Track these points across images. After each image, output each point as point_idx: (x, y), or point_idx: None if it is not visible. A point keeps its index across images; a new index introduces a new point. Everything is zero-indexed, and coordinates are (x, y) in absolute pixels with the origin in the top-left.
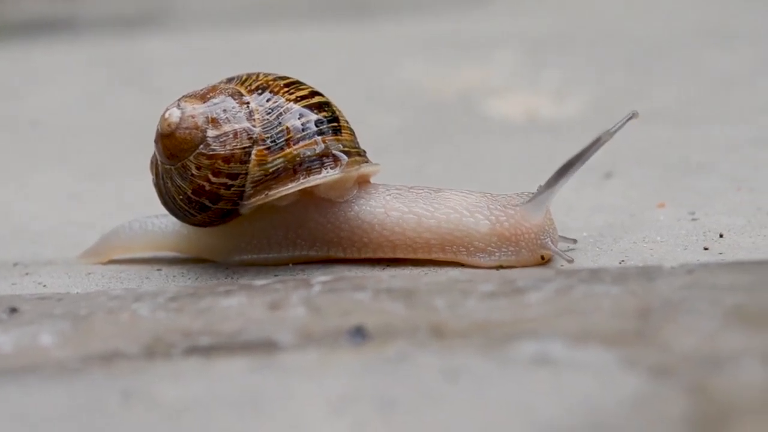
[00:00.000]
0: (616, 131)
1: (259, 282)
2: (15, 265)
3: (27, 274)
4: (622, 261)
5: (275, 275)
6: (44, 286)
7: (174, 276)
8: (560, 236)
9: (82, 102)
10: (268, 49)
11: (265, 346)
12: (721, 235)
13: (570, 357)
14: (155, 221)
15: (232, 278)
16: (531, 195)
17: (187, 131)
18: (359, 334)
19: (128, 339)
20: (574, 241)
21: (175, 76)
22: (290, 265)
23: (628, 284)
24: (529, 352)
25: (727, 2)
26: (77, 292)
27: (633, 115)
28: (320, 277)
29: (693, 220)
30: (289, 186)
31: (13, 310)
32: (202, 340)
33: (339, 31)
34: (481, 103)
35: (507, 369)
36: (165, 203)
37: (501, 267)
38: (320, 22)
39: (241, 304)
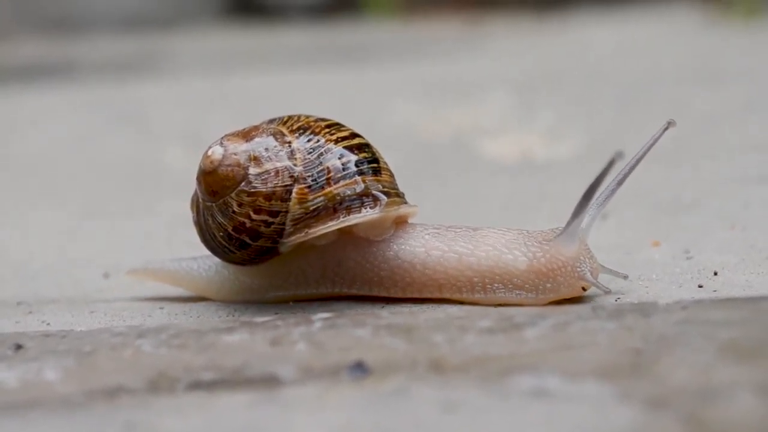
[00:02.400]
0: (652, 145)
1: (261, 319)
2: (19, 304)
3: (30, 312)
4: (618, 298)
5: (276, 313)
6: (48, 324)
7: (176, 314)
8: (610, 269)
9: (76, 143)
10: (260, 93)
11: (267, 381)
12: (715, 273)
13: (566, 390)
14: (193, 263)
15: (233, 315)
16: (562, 229)
17: (230, 168)
18: (360, 368)
19: (132, 374)
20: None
21: (168, 119)
22: (290, 303)
23: (624, 320)
24: (526, 385)
25: (715, 43)
26: (81, 330)
27: (670, 125)
28: (321, 314)
29: (688, 258)
30: (329, 224)
31: (18, 347)
32: (204, 375)
33: (331, 75)
34: (473, 144)
35: (504, 402)
36: (205, 240)
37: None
38: (312, 67)
39: (243, 340)
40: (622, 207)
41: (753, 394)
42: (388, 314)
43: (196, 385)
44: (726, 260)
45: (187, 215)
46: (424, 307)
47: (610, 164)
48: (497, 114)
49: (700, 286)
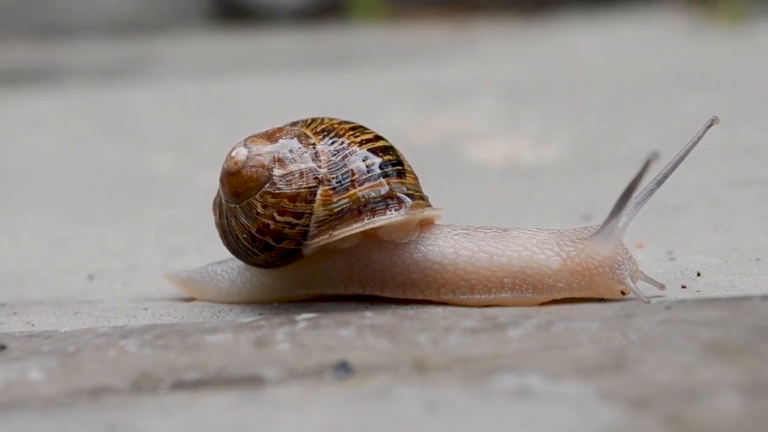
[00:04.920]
0: (695, 143)
1: (245, 319)
2: (2, 305)
3: (15, 314)
4: (601, 299)
5: (260, 313)
6: (32, 325)
7: (161, 315)
8: (648, 276)
9: (63, 149)
10: (248, 98)
11: (251, 381)
12: (698, 274)
13: (549, 390)
14: (218, 268)
15: (217, 316)
16: (598, 227)
17: (254, 170)
18: (343, 369)
19: (115, 374)
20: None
21: (156, 125)
22: (274, 303)
23: (607, 320)
24: (509, 385)
25: (701, 47)
26: (65, 331)
27: (713, 122)
28: (305, 314)
29: (671, 259)
30: (354, 226)
31: (2, 348)
32: (188, 375)
33: (319, 80)
34: (460, 149)
35: (487, 401)
36: (228, 243)
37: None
38: (300, 72)
39: (227, 340)
40: (607, 209)
41: (735, 393)
42: (371, 315)
43: (180, 385)
44: (709, 262)
45: (175, 222)
46: (408, 307)
47: (647, 165)
48: (484, 119)
49: (684, 287)
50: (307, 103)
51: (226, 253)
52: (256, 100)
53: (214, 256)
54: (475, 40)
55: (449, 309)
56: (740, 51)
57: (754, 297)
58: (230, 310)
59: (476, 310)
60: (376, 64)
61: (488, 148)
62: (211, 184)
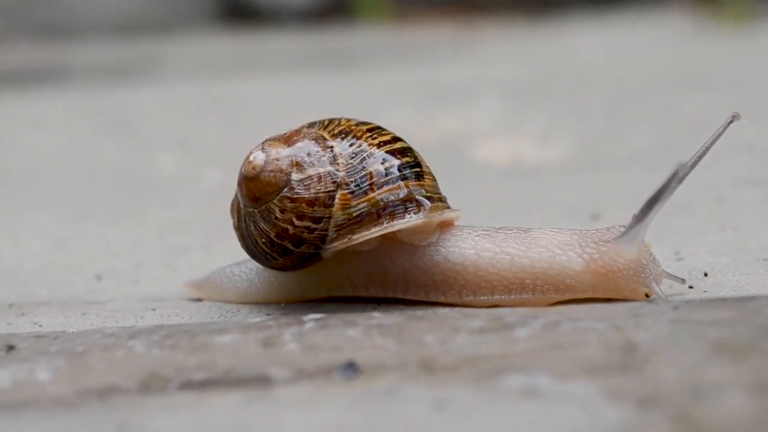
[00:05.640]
0: (717, 137)
1: (252, 320)
2: (11, 306)
3: (23, 314)
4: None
5: (267, 314)
6: (40, 325)
7: (168, 315)
8: (670, 274)
9: (64, 149)
10: (251, 98)
11: (259, 381)
12: (705, 274)
13: (557, 390)
14: (236, 269)
15: (225, 317)
16: (622, 229)
17: (272, 174)
18: (351, 368)
19: (124, 374)
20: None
21: (159, 125)
22: (282, 304)
23: (615, 320)
24: (516, 384)
25: (706, 48)
26: (73, 331)
27: (734, 118)
28: (312, 315)
29: (678, 259)
30: (373, 230)
31: (10, 348)
32: (196, 375)
33: (323, 80)
34: (464, 148)
35: (495, 401)
36: (246, 247)
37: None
38: (302, 72)
39: (235, 340)
40: (614, 209)
41: (742, 393)
42: (379, 315)
43: (188, 385)
44: (716, 261)
45: (177, 221)
46: (416, 308)
47: (675, 175)
48: (486, 119)
49: (691, 287)
50: (309, 103)
51: (229, 251)
52: (258, 100)
53: (218, 254)
54: (478, 41)
55: (457, 309)
56: (741, 51)
57: (761, 297)
58: (238, 311)
59: (484, 310)
60: (378, 64)
61: (490, 148)
62: (213, 184)
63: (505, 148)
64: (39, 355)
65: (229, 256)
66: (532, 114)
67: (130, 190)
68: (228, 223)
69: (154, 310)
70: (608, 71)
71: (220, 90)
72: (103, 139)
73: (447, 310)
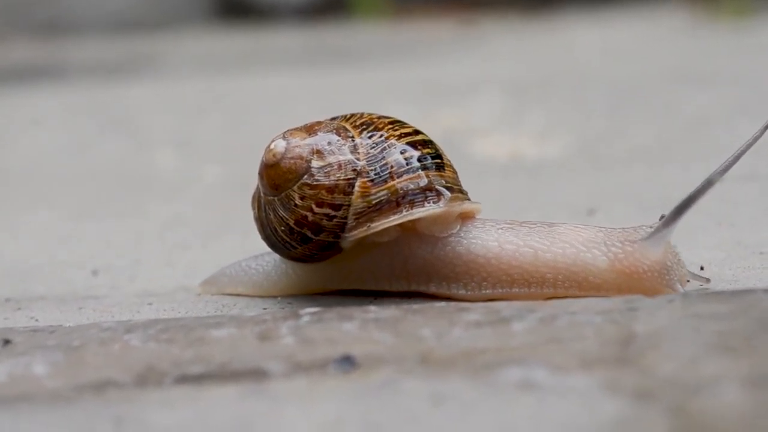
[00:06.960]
0: (753, 143)
1: (249, 314)
2: (7, 300)
3: (19, 309)
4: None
5: (264, 308)
6: (36, 320)
7: (165, 309)
8: (693, 273)
9: (64, 147)
10: (251, 95)
11: (255, 375)
12: (702, 268)
13: (554, 383)
14: (252, 263)
15: (221, 311)
16: (649, 230)
17: (292, 161)
18: (347, 362)
19: (120, 368)
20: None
21: (158, 122)
22: (278, 297)
23: (611, 314)
24: (513, 378)
25: (704, 44)
26: (69, 325)
27: None
28: (308, 308)
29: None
30: (392, 218)
31: (6, 342)
32: (192, 368)
33: (322, 77)
34: (463, 145)
35: (492, 394)
36: (266, 236)
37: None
38: (302, 69)
39: (231, 334)
40: (611, 204)
41: (739, 386)
42: (375, 308)
43: (184, 379)
44: (713, 256)
45: (178, 218)
46: (412, 301)
47: (708, 182)
48: (486, 116)
49: (688, 281)
50: (309, 100)
51: (229, 249)
52: (257, 97)
53: (218, 253)
54: (477, 38)
55: (453, 303)
56: (740, 48)
57: (758, 290)
58: (234, 305)
59: (480, 303)
60: (378, 61)
61: (489, 145)
62: (213, 181)
63: (504, 145)
64: (35, 349)
65: (229, 253)
66: (532, 111)
67: (130, 188)
68: (228, 219)
69: (150, 304)
70: (607, 69)
71: (219, 87)
72: (102, 136)
73: (443, 303)
